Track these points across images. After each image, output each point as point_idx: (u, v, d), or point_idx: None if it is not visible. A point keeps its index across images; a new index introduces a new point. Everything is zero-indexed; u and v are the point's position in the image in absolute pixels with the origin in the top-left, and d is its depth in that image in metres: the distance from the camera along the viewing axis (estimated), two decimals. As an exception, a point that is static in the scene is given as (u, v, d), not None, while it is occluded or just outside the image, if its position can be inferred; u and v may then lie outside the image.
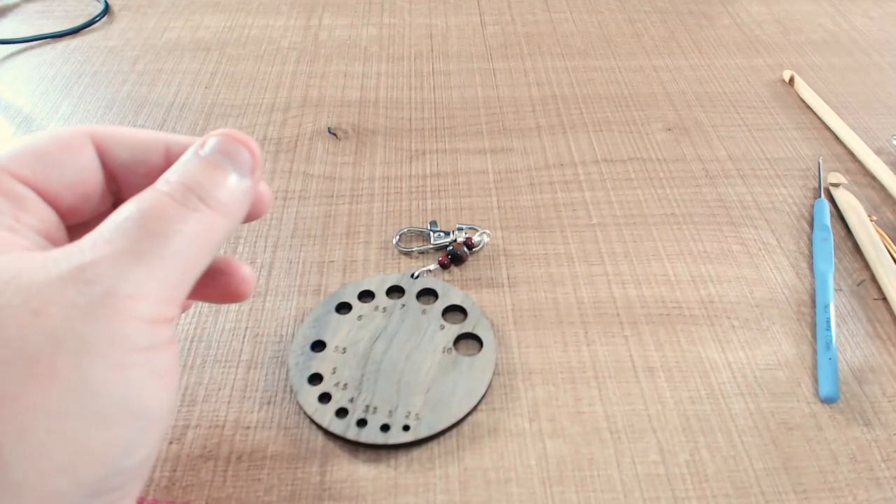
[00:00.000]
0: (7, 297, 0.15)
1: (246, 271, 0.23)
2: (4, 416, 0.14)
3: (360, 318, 0.35)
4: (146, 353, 0.16)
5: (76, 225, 0.21)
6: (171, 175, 0.19)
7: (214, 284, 0.23)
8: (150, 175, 0.20)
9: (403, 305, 0.35)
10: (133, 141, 0.21)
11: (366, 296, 0.36)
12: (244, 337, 0.35)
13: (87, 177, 0.20)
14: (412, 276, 0.37)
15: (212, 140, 0.20)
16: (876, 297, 0.38)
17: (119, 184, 0.21)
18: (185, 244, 0.17)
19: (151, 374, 0.17)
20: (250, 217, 0.22)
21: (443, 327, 0.34)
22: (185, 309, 0.25)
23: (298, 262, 0.39)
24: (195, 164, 0.19)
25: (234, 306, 0.36)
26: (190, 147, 0.20)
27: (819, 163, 0.46)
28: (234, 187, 0.19)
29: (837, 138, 0.49)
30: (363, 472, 0.30)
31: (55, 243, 0.19)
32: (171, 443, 0.31)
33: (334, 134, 0.48)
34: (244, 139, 0.20)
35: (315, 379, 0.32)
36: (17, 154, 0.19)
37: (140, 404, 0.16)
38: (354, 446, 0.30)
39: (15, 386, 0.15)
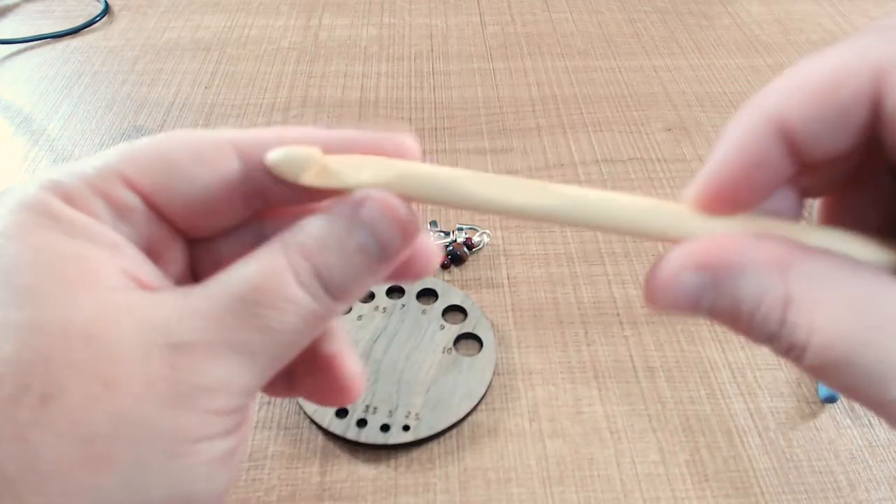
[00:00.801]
0: (83, 357, 0.14)
1: (352, 368, 0.19)
2: (49, 494, 0.13)
3: (359, 318, 0.35)
4: (212, 443, 0.15)
5: (200, 239, 0.18)
6: (305, 237, 0.16)
7: (314, 382, 0.19)
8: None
9: (403, 305, 0.35)
10: (282, 141, 0.17)
11: (366, 296, 0.36)
12: (244, 337, 0.35)
13: (217, 195, 0.17)
14: (412, 276, 0.37)
15: (367, 209, 0.16)
16: (876, 297, 0.38)
17: (268, 198, 0.18)
18: (287, 337, 0.15)
19: (211, 463, 0.15)
20: (406, 278, 0.19)
21: (443, 327, 0.34)
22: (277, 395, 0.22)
23: (298, 262, 0.39)
24: (336, 232, 0.16)
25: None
26: (346, 140, 0.17)
27: (819, 163, 0.46)
28: (366, 274, 0.16)
29: (837, 138, 0.48)
30: (363, 472, 0.30)
31: (160, 259, 0.17)
32: (171, 443, 0.31)
33: (334, 134, 0.48)
34: (400, 215, 0.16)
35: (315, 379, 0.32)
36: (139, 156, 0.16)
37: (193, 492, 0.15)
38: (354, 446, 0.30)
39: (65, 464, 0.13)
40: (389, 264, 0.17)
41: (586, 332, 0.35)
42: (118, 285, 0.15)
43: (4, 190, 0.16)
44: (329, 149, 0.17)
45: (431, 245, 0.18)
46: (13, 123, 0.49)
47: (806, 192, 0.17)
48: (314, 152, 0.17)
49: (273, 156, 0.17)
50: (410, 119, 0.49)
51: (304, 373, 0.19)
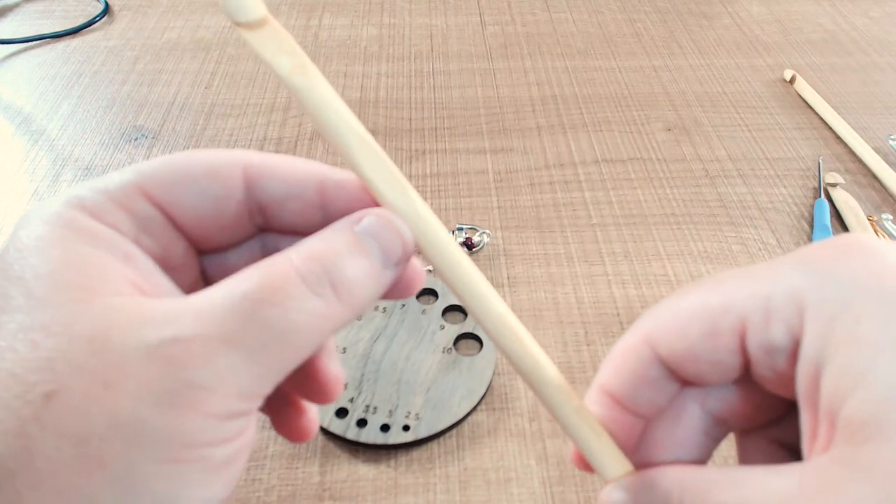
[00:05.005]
0: (85, 358, 0.14)
1: (333, 370, 0.20)
2: (43, 490, 0.13)
3: (359, 317, 0.35)
4: (208, 449, 0.15)
5: (211, 252, 0.19)
6: (310, 244, 0.17)
7: (295, 385, 0.20)
8: (302, 213, 0.18)
9: (403, 305, 0.35)
10: (286, 173, 0.18)
11: (366, 296, 0.36)
12: (244, 337, 0.35)
13: (227, 209, 0.18)
14: (412, 276, 0.37)
15: (368, 219, 0.17)
16: (876, 297, 0.38)
17: (268, 217, 0.19)
18: (294, 339, 0.15)
19: (207, 470, 0.15)
20: (393, 296, 0.19)
21: (443, 327, 0.34)
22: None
23: (298, 262, 0.39)
24: (339, 238, 0.17)
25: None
26: (343, 182, 0.18)
27: (819, 163, 0.46)
28: (371, 276, 0.17)
29: (838, 138, 0.49)
30: (363, 472, 0.30)
31: (175, 271, 0.18)
32: (171, 443, 0.31)
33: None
34: (401, 227, 0.17)
35: (315, 379, 0.32)
36: (156, 172, 0.17)
37: (186, 501, 0.15)
38: (354, 446, 0.30)
39: (60, 463, 0.14)
40: (391, 270, 0.17)
41: (586, 332, 0.35)
42: (125, 292, 0.15)
43: (33, 207, 0.17)
44: (324, 190, 0.18)
45: (418, 266, 0.19)
46: (13, 123, 0.49)
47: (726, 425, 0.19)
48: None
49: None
50: (410, 119, 0.49)
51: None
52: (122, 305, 0.15)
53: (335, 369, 0.20)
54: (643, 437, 0.19)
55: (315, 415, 0.21)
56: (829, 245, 0.16)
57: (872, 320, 0.14)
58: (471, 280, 0.18)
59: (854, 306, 0.15)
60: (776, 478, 0.15)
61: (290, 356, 0.16)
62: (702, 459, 0.19)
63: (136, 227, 0.17)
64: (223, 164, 0.18)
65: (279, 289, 0.15)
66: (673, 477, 0.17)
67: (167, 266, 0.18)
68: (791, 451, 0.18)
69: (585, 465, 0.19)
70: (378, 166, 0.17)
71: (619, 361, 0.18)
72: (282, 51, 0.17)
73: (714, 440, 0.19)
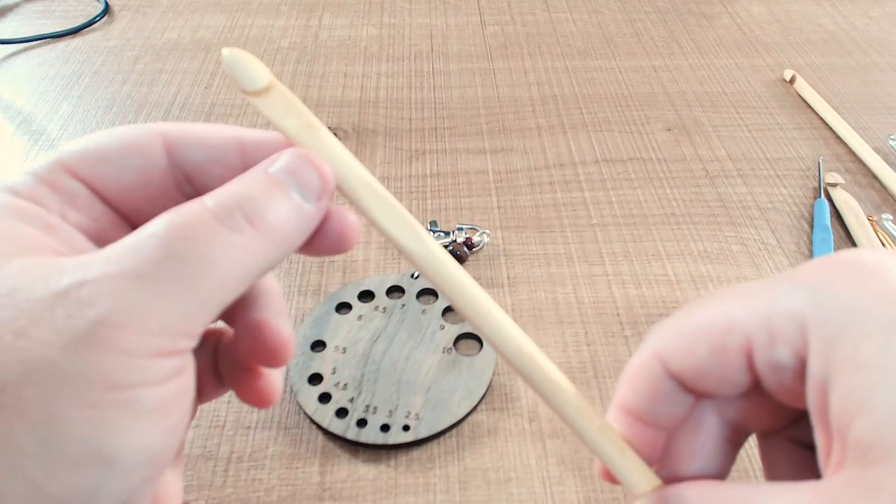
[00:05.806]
0: None
1: (284, 333, 0.20)
2: None
3: (360, 318, 0.35)
4: (132, 391, 0.14)
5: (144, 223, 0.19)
6: (224, 188, 0.17)
7: (243, 350, 0.20)
8: (225, 177, 0.18)
9: (403, 305, 0.35)
10: (205, 139, 0.19)
11: (366, 296, 0.36)
12: (244, 337, 0.35)
13: (151, 179, 0.18)
14: (412, 276, 0.37)
15: (283, 158, 0.17)
16: (876, 297, 0.38)
17: (195, 184, 0.19)
18: (210, 271, 0.15)
19: (136, 415, 0.15)
20: (330, 251, 0.19)
21: (443, 327, 0.34)
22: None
23: (298, 262, 0.39)
24: (253, 179, 0.17)
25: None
26: (263, 142, 0.18)
27: (819, 163, 0.46)
28: (290, 210, 0.17)
29: (838, 138, 0.49)
30: (363, 472, 0.30)
31: (108, 243, 0.17)
32: (171, 443, 0.31)
33: (334, 134, 0.48)
34: (317, 161, 0.18)
35: (315, 379, 0.32)
36: (77, 150, 0.18)
37: (111, 449, 0.14)
38: (354, 446, 0.30)
39: None
40: (311, 204, 0.17)
41: (586, 332, 0.35)
42: (43, 256, 0.16)
43: None
44: (244, 152, 0.19)
45: (352, 218, 0.19)
46: (13, 123, 0.49)
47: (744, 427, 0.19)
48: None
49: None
50: (410, 119, 0.49)
51: (232, 353, 0.20)
52: (37, 263, 0.15)
53: (284, 331, 0.20)
54: (667, 448, 0.19)
55: (276, 379, 0.21)
56: (827, 263, 0.16)
57: (873, 341, 0.14)
58: (489, 313, 0.18)
59: (854, 327, 0.15)
60: (789, 496, 0.15)
61: (213, 291, 0.15)
62: (725, 465, 0.19)
63: (61, 202, 0.17)
64: (142, 135, 0.18)
65: (190, 225, 0.15)
66: (692, 494, 0.17)
67: (101, 239, 0.18)
68: (812, 451, 0.18)
69: (613, 479, 0.19)
70: (389, 212, 0.18)
71: (633, 379, 0.19)
72: (289, 113, 0.18)
73: (735, 445, 0.19)
